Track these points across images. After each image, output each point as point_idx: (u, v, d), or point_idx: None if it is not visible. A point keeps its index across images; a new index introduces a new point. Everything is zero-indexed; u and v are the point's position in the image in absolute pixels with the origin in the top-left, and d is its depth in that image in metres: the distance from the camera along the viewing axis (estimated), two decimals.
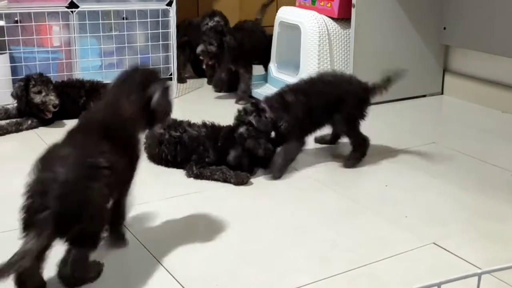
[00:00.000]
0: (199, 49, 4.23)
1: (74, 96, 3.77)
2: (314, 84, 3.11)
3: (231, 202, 2.69)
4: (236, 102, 4.24)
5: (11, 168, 3.00)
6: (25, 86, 3.62)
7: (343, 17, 4.22)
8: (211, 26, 4.41)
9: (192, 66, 5.03)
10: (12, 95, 3.69)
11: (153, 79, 2.20)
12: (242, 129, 2.92)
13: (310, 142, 3.20)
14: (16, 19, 4.08)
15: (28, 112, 3.64)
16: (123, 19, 4.44)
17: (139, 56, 4.49)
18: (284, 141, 3.00)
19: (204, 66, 4.68)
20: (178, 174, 2.96)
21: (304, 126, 3.03)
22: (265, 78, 4.63)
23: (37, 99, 3.59)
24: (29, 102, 3.62)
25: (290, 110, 2.97)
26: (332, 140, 3.38)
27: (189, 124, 3.10)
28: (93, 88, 3.83)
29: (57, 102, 3.60)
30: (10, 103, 3.92)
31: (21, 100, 3.65)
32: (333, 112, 3.06)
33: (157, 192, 2.77)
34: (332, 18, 4.24)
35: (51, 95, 3.60)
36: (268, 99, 3.04)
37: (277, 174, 2.95)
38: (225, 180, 2.88)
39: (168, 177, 2.94)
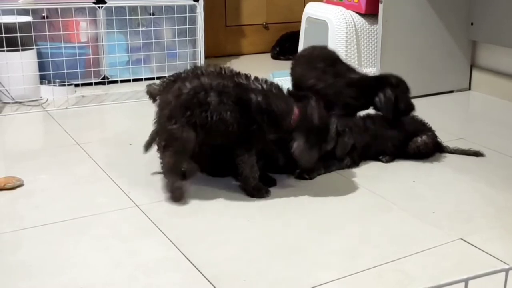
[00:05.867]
0: None
1: None
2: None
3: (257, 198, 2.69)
4: None
5: (35, 164, 3.01)
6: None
7: (370, 13, 4.21)
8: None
9: None
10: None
11: None
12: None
13: None
14: (43, 14, 4.11)
15: None
16: (150, 14, 4.46)
17: (166, 51, 4.51)
18: None
19: None
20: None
21: None
22: None
23: None
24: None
25: None
26: None
27: None
28: None
29: None
30: (39, 98, 3.96)
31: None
32: None
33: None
34: (360, 14, 4.23)
35: None
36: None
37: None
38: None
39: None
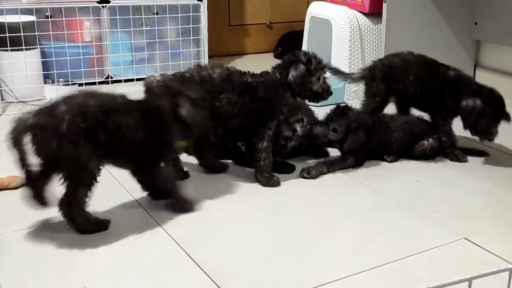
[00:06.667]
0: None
1: None
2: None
3: (262, 197, 2.68)
4: None
5: None
6: None
7: (374, 12, 4.20)
8: None
9: None
10: None
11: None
12: None
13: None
14: (47, 14, 4.10)
15: None
16: (154, 14, 4.46)
17: (169, 51, 4.51)
18: None
19: None
20: (204, 169, 2.96)
21: None
22: None
23: None
24: None
25: None
26: None
27: None
28: None
29: None
30: (42, 97, 3.96)
31: None
32: None
33: (188, 188, 2.77)
34: (363, 13, 4.22)
35: None
36: None
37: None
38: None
39: (197, 173, 2.94)
